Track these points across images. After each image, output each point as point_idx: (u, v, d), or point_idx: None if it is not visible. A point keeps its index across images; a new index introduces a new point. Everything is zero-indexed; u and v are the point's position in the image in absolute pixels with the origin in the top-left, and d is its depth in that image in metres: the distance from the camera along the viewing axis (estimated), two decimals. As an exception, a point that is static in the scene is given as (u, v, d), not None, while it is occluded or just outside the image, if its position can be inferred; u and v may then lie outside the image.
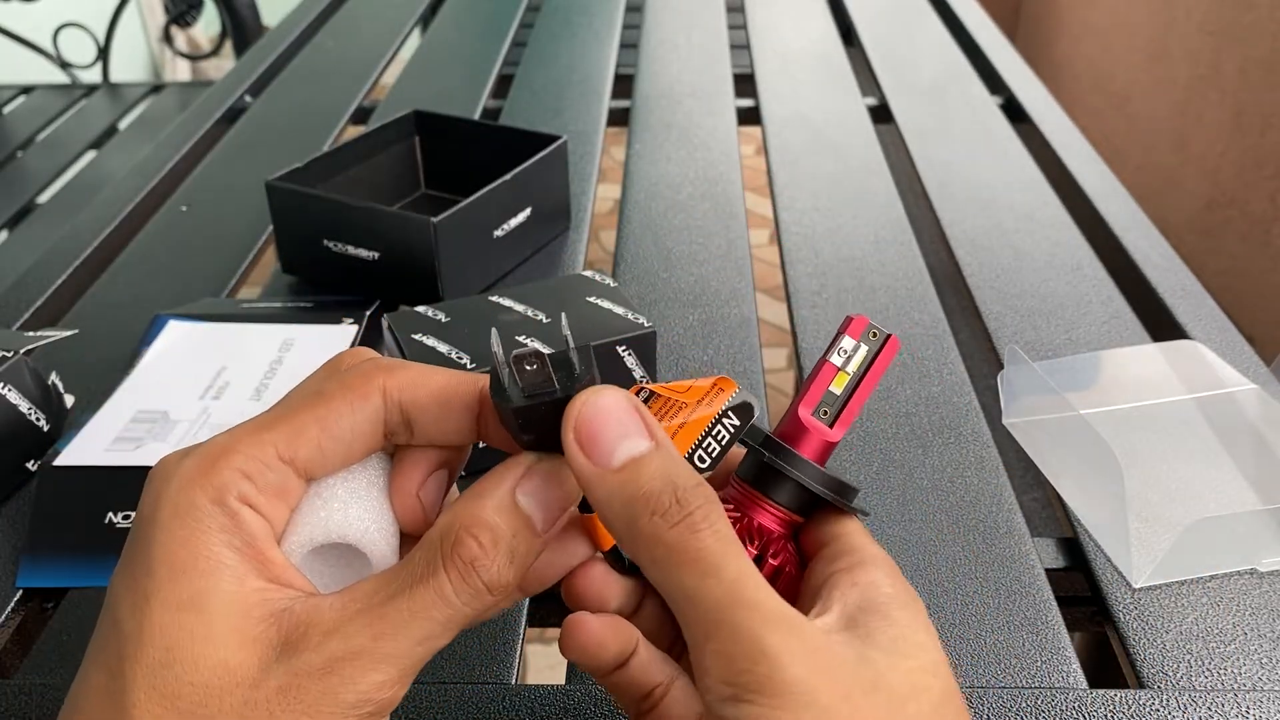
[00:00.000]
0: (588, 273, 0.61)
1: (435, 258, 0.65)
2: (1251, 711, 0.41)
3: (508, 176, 0.69)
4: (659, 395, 0.32)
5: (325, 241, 0.68)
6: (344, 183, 0.75)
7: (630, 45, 1.21)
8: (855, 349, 0.32)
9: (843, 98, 1.04)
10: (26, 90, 1.70)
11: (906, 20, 1.27)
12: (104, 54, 1.79)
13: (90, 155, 1.49)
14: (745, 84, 1.09)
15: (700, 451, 0.31)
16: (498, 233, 0.70)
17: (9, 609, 0.47)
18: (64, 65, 1.80)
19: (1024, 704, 0.41)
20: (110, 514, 0.49)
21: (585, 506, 0.30)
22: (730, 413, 0.31)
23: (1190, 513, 0.50)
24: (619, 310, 0.57)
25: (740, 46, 1.21)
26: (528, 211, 0.73)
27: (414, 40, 1.28)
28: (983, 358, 0.66)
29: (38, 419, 0.54)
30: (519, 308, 0.57)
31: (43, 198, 1.37)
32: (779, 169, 0.89)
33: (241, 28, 1.75)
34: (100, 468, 0.50)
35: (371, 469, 0.30)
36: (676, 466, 0.27)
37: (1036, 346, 0.65)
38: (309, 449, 0.28)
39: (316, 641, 0.26)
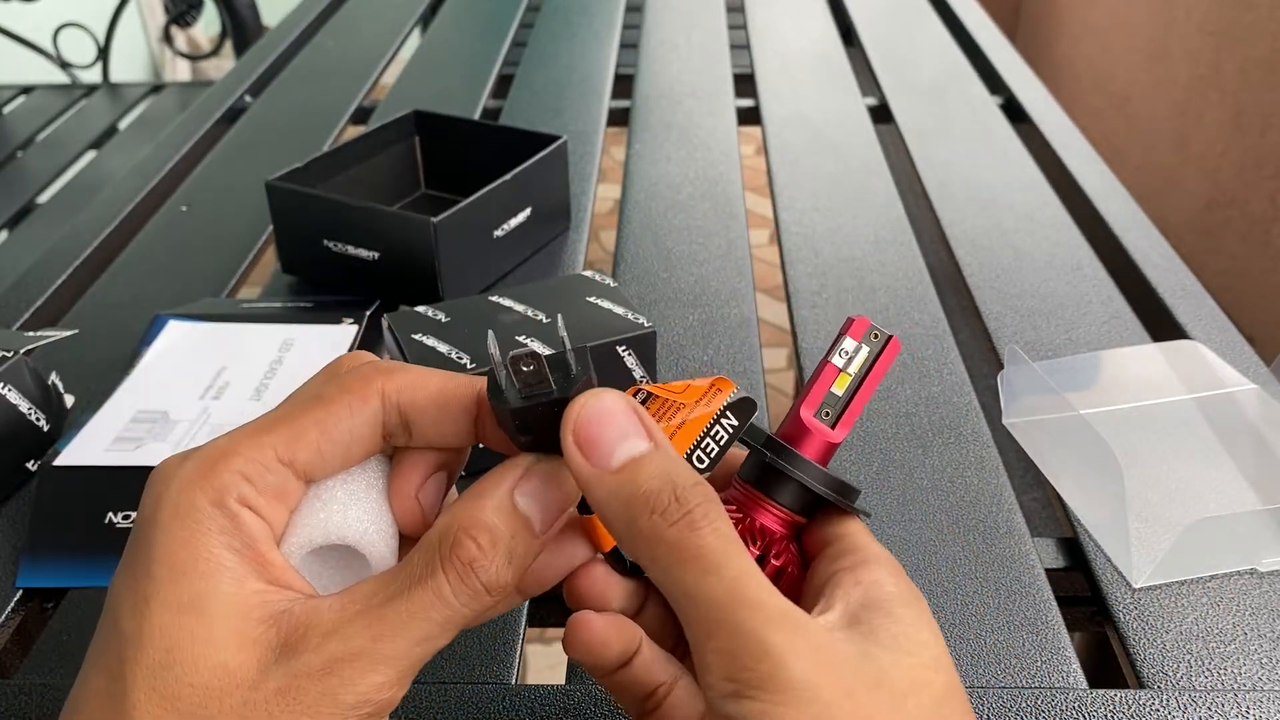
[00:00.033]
0: (588, 273, 0.61)
1: (435, 258, 0.65)
2: (1251, 711, 0.41)
3: (508, 176, 0.69)
4: (657, 396, 0.32)
5: (325, 241, 0.68)
6: (344, 183, 0.75)
7: (630, 45, 1.21)
8: (857, 350, 0.32)
9: (843, 98, 1.04)
10: (26, 90, 1.70)
11: (906, 20, 1.27)
12: (104, 54, 1.79)
13: (90, 155, 1.49)
14: (745, 84, 1.09)
15: (699, 452, 0.31)
16: (498, 233, 0.70)
17: (9, 609, 0.47)
18: (64, 65, 1.80)
19: (1024, 704, 0.41)
20: (110, 514, 0.49)
21: (584, 508, 0.30)
22: (729, 412, 0.32)
23: (1190, 513, 0.50)
24: (619, 310, 0.57)
25: (740, 46, 1.21)
26: (528, 211, 0.73)
27: (414, 40, 1.28)
28: (983, 358, 0.66)
29: (38, 419, 0.54)
30: (519, 308, 0.57)
31: (43, 198, 1.37)
32: (779, 169, 0.89)
33: (241, 28, 1.75)
34: (100, 468, 0.50)
35: (370, 471, 0.30)
36: (676, 466, 0.27)
37: (1036, 346, 0.65)
38: (308, 451, 0.28)
39: (315, 643, 0.26)
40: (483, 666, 0.43)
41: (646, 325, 0.55)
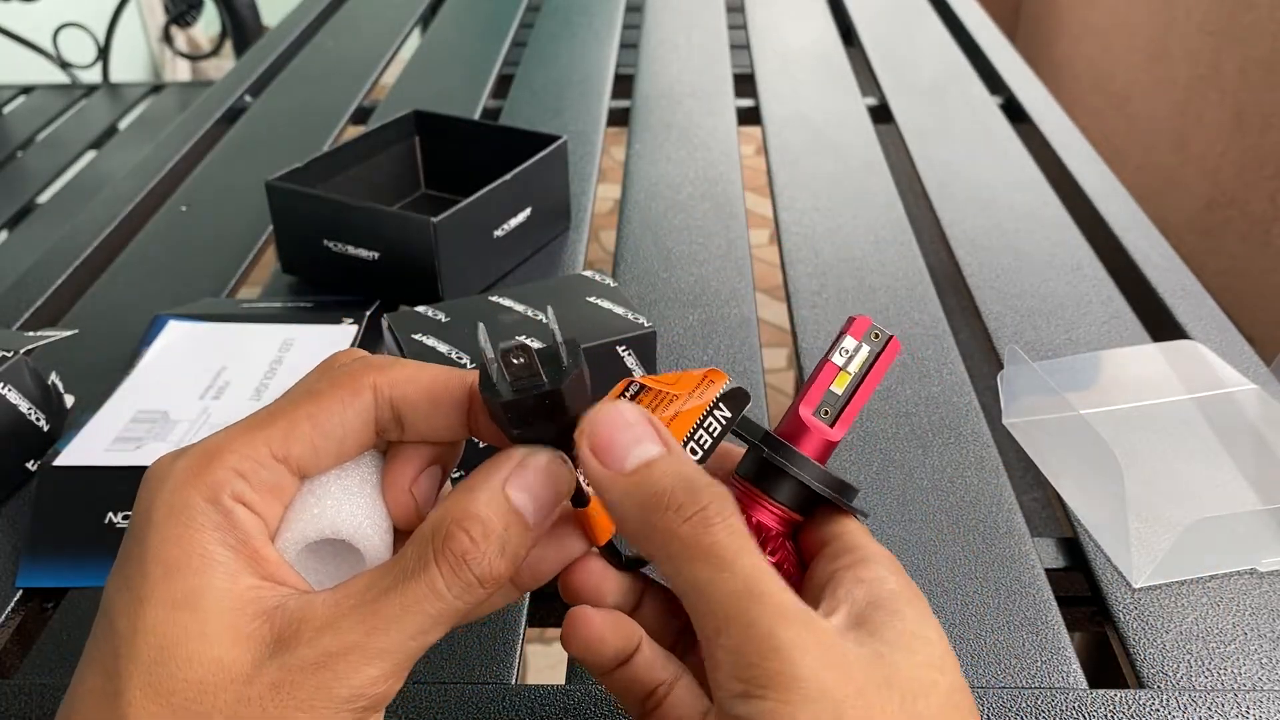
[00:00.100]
0: (588, 273, 0.61)
1: (435, 258, 0.65)
2: (1251, 711, 0.41)
3: (508, 176, 0.69)
4: (649, 388, 0.32)
5: (325, 241, 0.68)
6: (344, 183, 0.75)
7: (630, 45, 1.21)
8: (857, 349, 0.32)
9: (843, 98, 1.04)
10: (26, 90, 1.70)
11: (906, 20, 1.27)
12: (104, 54, 1.79)
13: (90, 155, 1.49)
14: (745, 84, 1.09)
15: (692, 444, 0.31)
16: (498, 233, 0.70)
17: (9, 609, 0.47)
18: (64, 65, 1.80)
19: (1024, 704, 0.41)
20: (110, 514, 0.49)
21: (578, 501, 0.30)
22: (721, 404, 0.32)
23: (1190, 513, 0.50)
24: (619, 310, 0.57)
25: (740, 46, 1.21)
26: (528, 211, 0.73)
27: (414, 40, 1.28)
28: (983, 358, 0.66)
29: (38, 419, 0.54)
30: (519, 308, 0.57)
31: (43, 198, 1.37)
32: (779, 169, 0.89)
33: (241, 28, 1.75)
34: (100, 468, 0.50)
35: (365, 466, 0.30)
36: (688, 467, 0.28)
37: (1036, 346, 0.65)
38: (302, 447, 0.28)
39: (309, 637, 0.26)
40: (483, 666, 0.43)
41: (646, 325, 0.55)
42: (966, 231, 0.78)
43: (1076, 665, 0.43)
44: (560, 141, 0.74)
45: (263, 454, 0.27)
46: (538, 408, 0.28)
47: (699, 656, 0.32)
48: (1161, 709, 0.41)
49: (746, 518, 0.31)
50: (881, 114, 1.02)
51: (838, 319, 0.67)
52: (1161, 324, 0.68)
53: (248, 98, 1.10)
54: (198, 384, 0.57)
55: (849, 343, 0.32)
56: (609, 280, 0.60)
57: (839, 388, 0.32)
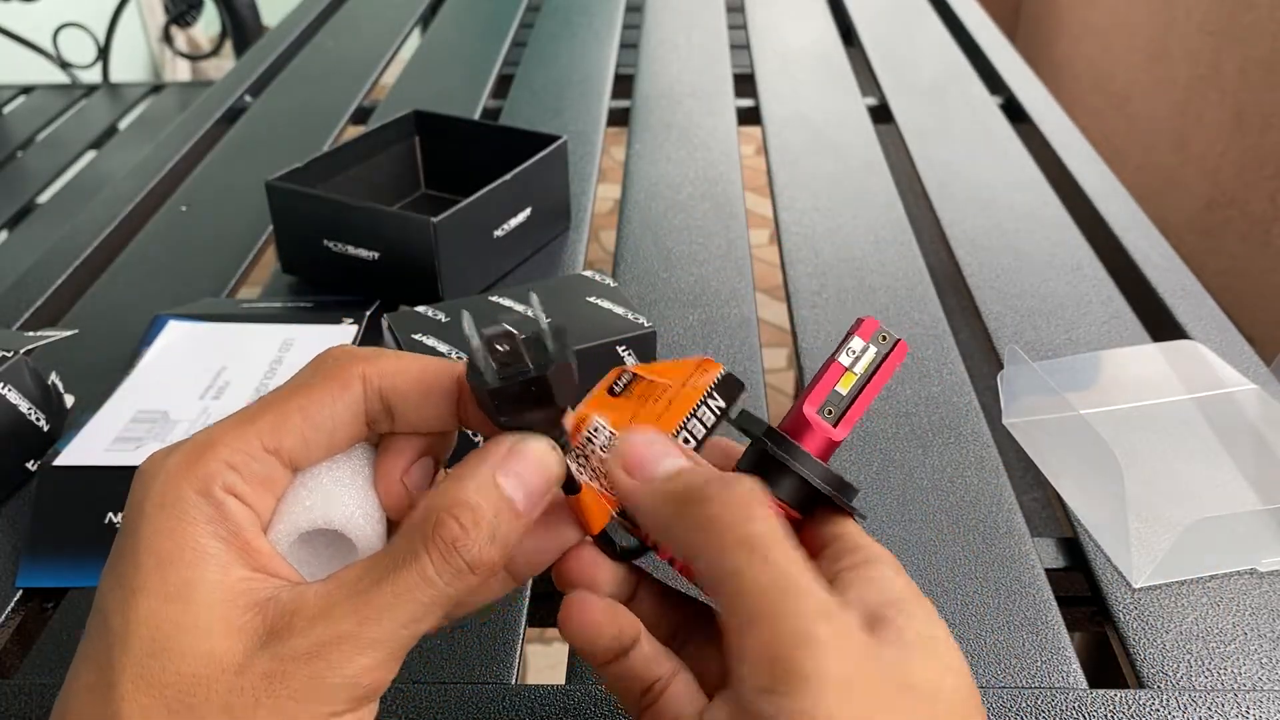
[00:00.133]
0: (588, 273, 0.61)
1: (435, 258, 0.65)
2: (1251, 711, 0.41)
3: (508, 176, 0.69)
4: (641, 377, 0.32)
5: (325, 241, 0.68)
6: (344, 183, 0.75)
7: (630, 45, 1.21)
8: (864, 350, 0.32)
9: (843, 98, 1.04)
10: (26, 90, 1.70)
11: (906, 20, 1.27)
12: (104, 54, 1.79)
13: (90, 155, 1.49)
14: (745, 84, 1.09)
15: (685, 433, 0.31)
16: (498, 233, 0.70)
17: (9, 609, 0.47)
18: (64, 65, 1.80)
19: (1024, 704, 0.41)
20: (110, 514, 0.49)
21: (570, 488, 0.30)
22: (715, 393, 0.32)
23: (1190, 513, 0.50)
24: (619, 310, 0.57)
25: (740, 46, 1.21)
26: (528, 211, 0.73)
27: (414, 40, 1.28)
28: (983, 358, 0.66)
29: (38, 419, 0.54)
30: (519, 308, 0.57)
31: (43, 198, 1.37)
32: (779, 169, 0.89)
33: (241, 28, 1.75)
34: (100, 468, 0.50)
35: (356, 458, 0.30)
36: (716, 470, 0.29)
37: (1036, 346, 0.65)
38: (293, 439, 0.28)
39: (302, 627, 0.26)
40: (483, 666, 0.43)
41: (646, 325, 0.55)
42: (966, 231, 0.78)
43: (1076, 665, 0.43)
44: (560, 141, 0.74)
45: (254, 446, 0.28)
46: (524, 394, 0.28)
47: (695, 652, 0.32)
48: (1161, 709, 0.41)
49: None
50: (881, 114, 1.02)
51: (838, 319, 0.67)
52: (1161, 324, 0.68)
53: (248, 98, 1.10)
54: (198, 384, 0.57)
55: (856, 343, 0.32)
56: (609, 280, 0.60)
57: (844, 388, 0.32)
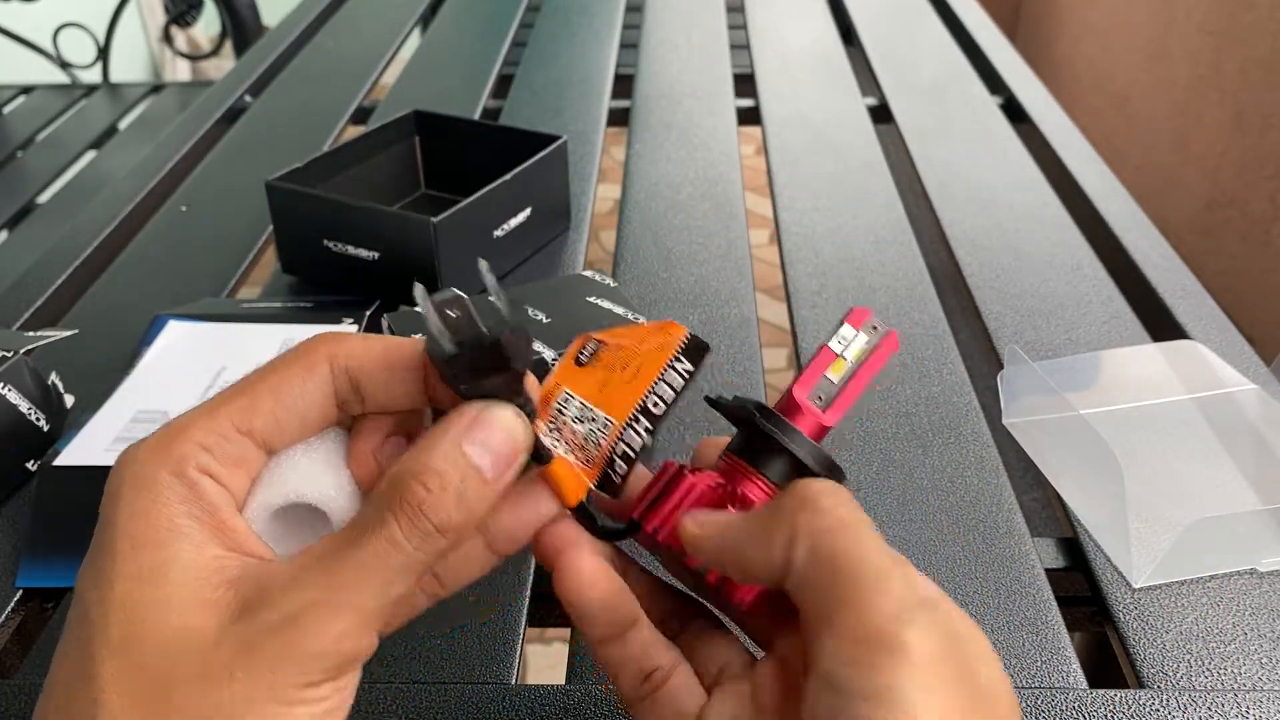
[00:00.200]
0: (588, 273, 0.61)
1: (435, 258, 0.65)
2: (1251, 711, 0.41)
3: (508, 176, 0.69)
4: (607, 344, 0.32)
5: (325, 241, 0.68)
6: (344, 183, 0.75)
7: (630, 45, 1.21)
8: (855, 338, 0.32)
9: (843, 98, 1.04)
10: (26, 90, 1.70)
11: (906, 20, 1.27)
12: (104, 54, 1.79)
13: (90, 155, 1.49)
14: (745, 84, 1.09)
15: (654, 397, 0.31)
16: (498, 233, 0.70)
17: (9, 609, 0.47)
18: (64, 65, 1.80)
19: (1024, 704, 0.41)
20: (110, 514, 0.49)
21: (541, 458, 0.30)
22: (682, 357, 0.32)
23: (1190, 513, 0.50)
24: (619, 310, 0.57)
25: (740, 46, 1.21)
26: (528, 211, 0.73)
27: (414, 40, 1.28)
28: (983, 358, 0.66)
29: (38, 419, 0.54)
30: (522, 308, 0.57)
31: (43, 198, 1.37)
32: (779, 169, 0.89)
33: (241, 28, 1.75)
34: (100, 468, 0.50)
35: (330, 439, 0.31)
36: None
37: (1036, 346, 0.65)
38: (264, 420, 0.28)
39: (274, 599, 0.26)
40: (483, 666, 0.43)
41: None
42: (966, 231, 0.78)
43: (1076, 665, 0.43)
44: (560, 141, 0.74)
45: (226, 427, 0.28)
46: (480, 359, 0.28)
47: (689, 647, 0.32)
48: (1161, 709, 0.41)
49: (732, 491, 0.31)
50: (881, 114, 1.02)
51: (837, 319, 0.67)
52: (1161, 324, 0.68)
53: (248, 98, 1.10)
54: (198, 384, 0.57)
55: (847, 331, 0.32)
56: (609, 280, 0.60)
57: (834, 374, 0.32)
